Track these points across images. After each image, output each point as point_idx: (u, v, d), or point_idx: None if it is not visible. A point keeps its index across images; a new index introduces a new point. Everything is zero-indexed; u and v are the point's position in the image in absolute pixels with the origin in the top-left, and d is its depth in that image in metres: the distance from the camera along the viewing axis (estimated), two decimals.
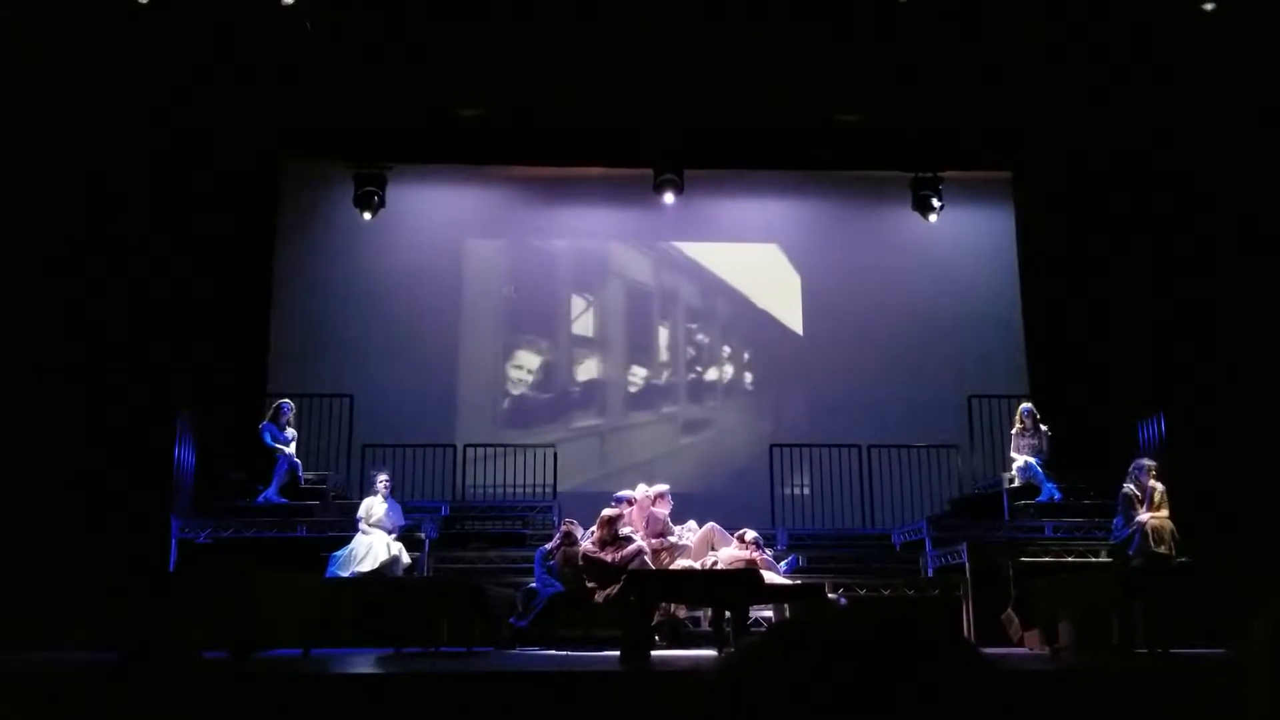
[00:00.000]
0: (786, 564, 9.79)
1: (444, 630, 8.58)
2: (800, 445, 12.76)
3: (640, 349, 13.91)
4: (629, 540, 8.95)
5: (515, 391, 13.67)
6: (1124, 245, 12.32)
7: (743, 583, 8.15)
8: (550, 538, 9.78)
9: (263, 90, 11.50)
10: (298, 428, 11.39)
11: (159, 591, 8.43)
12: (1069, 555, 10.08)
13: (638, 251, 14.06)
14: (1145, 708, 5.05)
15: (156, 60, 10.81)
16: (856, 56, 11.25)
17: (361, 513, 9.96)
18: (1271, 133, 10.75)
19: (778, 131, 12.68)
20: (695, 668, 6.30)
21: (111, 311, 11.18)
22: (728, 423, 13.72)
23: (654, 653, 7.71)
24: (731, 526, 9.47)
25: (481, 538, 11.26)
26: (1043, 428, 11.17)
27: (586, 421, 13.57)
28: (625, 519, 9.26)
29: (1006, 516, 10.95)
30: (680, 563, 9.14)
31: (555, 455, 12.56)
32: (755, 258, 14.04)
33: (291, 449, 11.09)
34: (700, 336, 14.05)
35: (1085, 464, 11.17)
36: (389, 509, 10.06)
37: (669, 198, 13.17)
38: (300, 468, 11.09)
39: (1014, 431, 11.36)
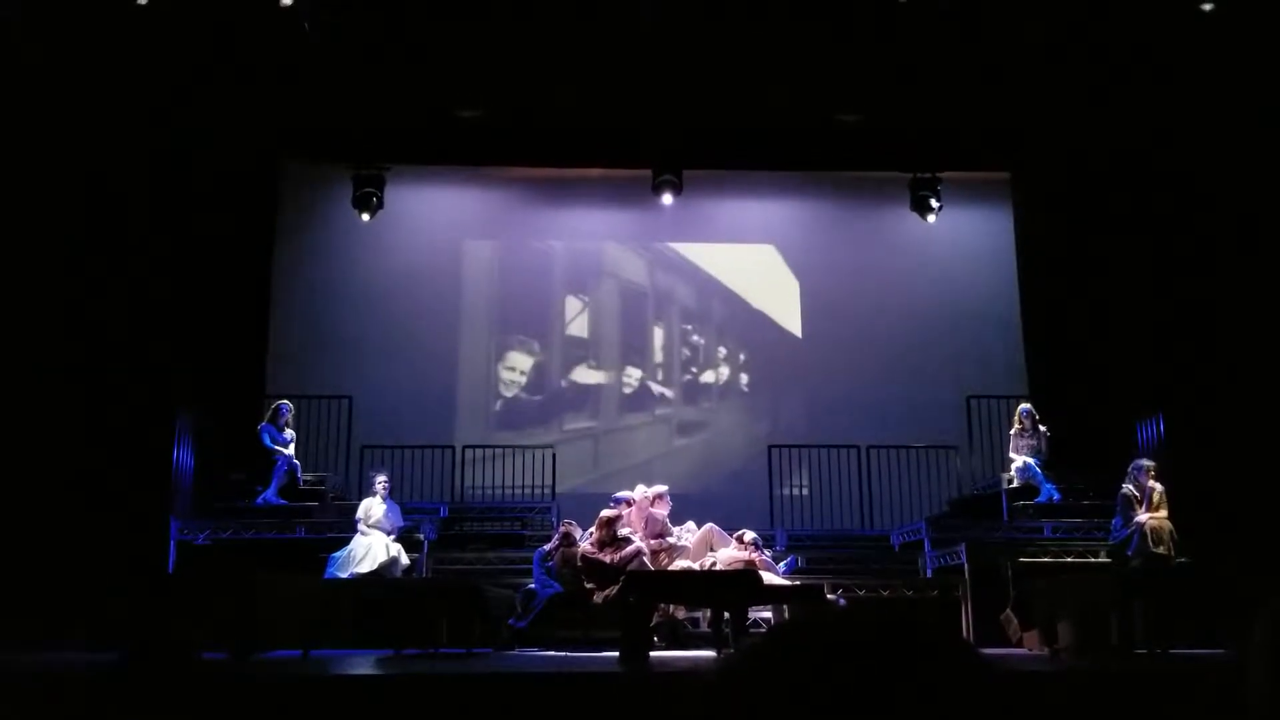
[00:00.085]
0: (785, 565, 9.79)
1: (443, 631, 8.57)
2: (799, 446, 12.76)
3: (636, 350, 13.91)
4: (628, 541, 8.95)
5: (508, 393, 13.66)
6: (1123, 245, 12.32)
7: (742, 584, 8.15)
8: (549, 539, 9.78)
9: (262, 91, 11.50)
10: (296, 429, 11.39)
11: (158, 592, 8.43)
12: (1068, 556, 10.08)
13: (636, 253, 14.05)
14: (1145, 708, 5.05)
15: (156, 60, 10.81)
16: (856, 56, 11.25)
17: (360, 514, 9.95)
18: (1271, 133, 10.76)
19: (777, 132, 12.68)
20: (694, 669, 6.30)
21: (111, 312, 11.17)
22: (724, 424, 13.72)
23: (653, 654, 7.72)
24: (730, 527, 9.48)
25: (480, 539, 11.26)
26: (1041, 428, 11.17)
27: (582, 423, 13.57)
28: (624, 520, 9.26)
29: (1005, 517, 10.95)
30: (679, 564, 9.13)
31: (554, 456, 12.56)
32: (753, 258, 14.04)
33: (290, 450, 11.09)
34: (698, 338, 14.04)
35: (1084, 464, 11.17)
36: (388, 510, 10.06)
37: (667, 198, 13.17)
38: (299, 469, 11.09)
39: (1013, 432, 11.36)
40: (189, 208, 11.84)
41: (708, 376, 13.95)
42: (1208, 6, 10.24)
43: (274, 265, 13.15)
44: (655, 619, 8.64)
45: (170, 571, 10.05)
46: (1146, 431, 11.07)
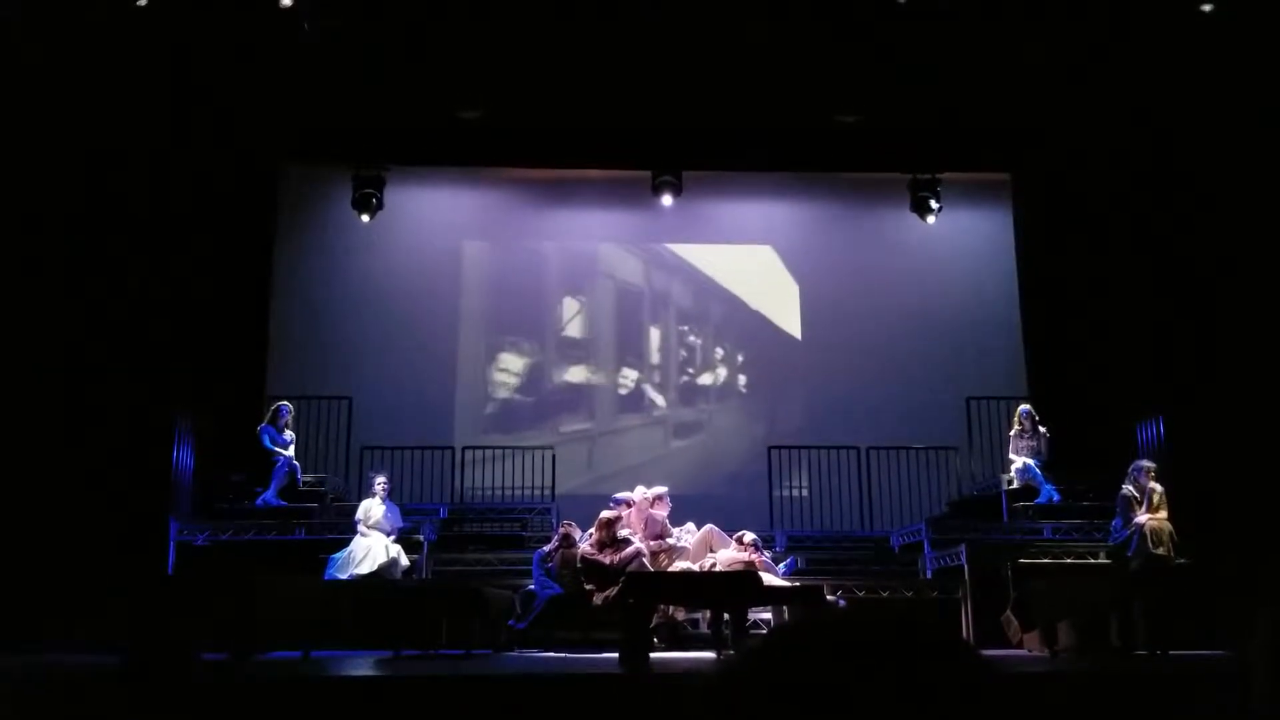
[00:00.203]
0: (785, 566, 9.78)
1: (443, 632, 8.57)
2: (799, 447, 12.76)
3: (636, 351, 13.91)
4: (627, 542, 8.94)
5: (505, 395, 13.66)
6: (1123, 246, 12.32)
7: (741, 585, 8.14)
8: (549, 540, 9.77)
9: (262, 91, 11.49)
10: (296, 430, 11.39)
11: (158, 593, 8.44)
12: (1068, 557, 10.07)
13: (635, 254, 14.05)
14: (1145, 709, 5.05)
15: (156, 61, 10.81)
16: (856, 56, 11.25)
17: (359, 515, 9.95)
18: (1271, 133, 10.76)
19: (776, 132, 12.68)
20: (694, 670, 6.30)
21: (111, 313, 11.17)
22: (722, 425, 13.72)
23: (653, 655, 7.71)
24: (730, 529, 9.47)
25: (480, 540, 11.26)
26: (1041, 429, 11.16)
27: (582, 425, 13.56)
28: (624, 521, 9.25)
29: (1005, 518, 10.95)
30: (679, 565, 9.13)
31: (554, 458, 12.55)
32: (752, 259, 14.04)
33: (290, 451, 11.08)
34: (696, 339, 14.04)
35: (1084, 466, 11.16)
36: (387, 511, 10.06)
37: (667, 199, 13.18)
38: (299, 470, 11.08)
39: (1012, 433, 11.36)
40: (188, 209, 11.83)
41: (705, 378, 13.94)
42: (1207, 7, 10.24)
43: (274, 266, 13.14)
44: (655, 620, 8.63)
45: (170, 572, 10.04)
46: (1146, 433, 11.07)
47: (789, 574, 9.61)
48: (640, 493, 9.74)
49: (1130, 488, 9.25)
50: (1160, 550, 8.88)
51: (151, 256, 11.58)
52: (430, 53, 11.18)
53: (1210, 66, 10.79)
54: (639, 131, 12.60)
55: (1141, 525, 9.00)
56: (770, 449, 12.64)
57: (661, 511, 9.63)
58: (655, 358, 13.92)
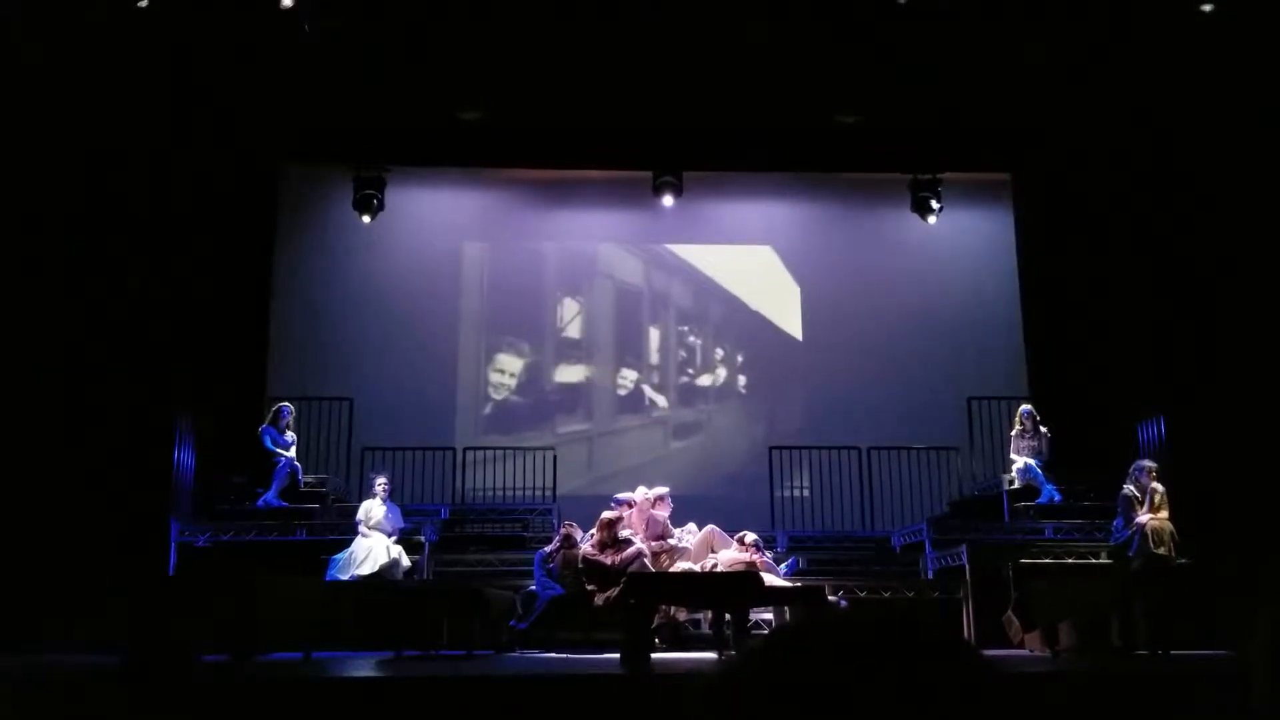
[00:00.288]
0: (786, 566, 9.78)
1: (444, 633, 8.58)
2: (799, 448, 12.76)
3: (636, 352, 13.91)
4: (629, 543, 8.94)
5: (506, 396, 13.66)
6: (1123, 246, 12.32)
7: (743, 585, 8.13)
8: (550, 540, 9.77)
9: (262, 92, 11.50)
10: (297, 431, 11.39)
11: (159, 594, 8.43)
12: (1069, 557, 10.07)
13: (635, 254, 14.05)
14: (1146, 709, 5.05)
15: (156, 61, 10.81)
16: (856, 56, 11.25)
17: (360, 515, 9.95)
18: (1271, 133, 10.76)
19: (776, 132, 12.68)
20: (696, 671, 6.30)
21: (111, 313, 11.18)
22: (722, 426, 13.71)
23: (654, 655, 7.71)
24: (731, 529, 9.47)
25: (481, 540, 11.26)
26: (1042, 429, 11.16)
27: (582, 425, 13.56)
28: (625, 521, 9.25)
29: (1006, 518, 10.95)
30: (680, 565, 9.13)
31: (555, 458, 12.55)
32: (752, 260, 14.04)
33: (291, 452, 11.08)
34: (695, 339, 14.03)
35: (1085, 466, 11.16)
36: (388, 511, 10.06)
37: (668, 200, 13.19)
38: (300, 471, 11.08)
39: (1013, 433, 11.35)
40: (189, 210, 11.84)
41: (705, 378, 13.94)
42: (1208, 7, 10.24)
43: (275, 267, 13.15)
44: (656, 621, 8.63)
45: (171, 573, 10.04)
46: (1147, 432, 11.07)
47: (790, 574, 9.61)
48: (641, 493, 9.73)
49: (1131, 488, 9.24)
50: (1161, 550, 8.87)
51: (151, 256, 11.58)
52: (430, 53, 11.17)
53: (1210, 66, 10.78)
54: (639, 132, 12.61)
55: (1143, 525, 8.99)
56: (771, 449, 12.63)
57: (663, 512, 9.63)
58: (655, 358, 13.92)
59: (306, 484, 11.18)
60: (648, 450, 13.46)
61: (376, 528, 9.88)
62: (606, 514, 9.09)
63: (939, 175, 13.26)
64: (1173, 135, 11.62)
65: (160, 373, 11.06)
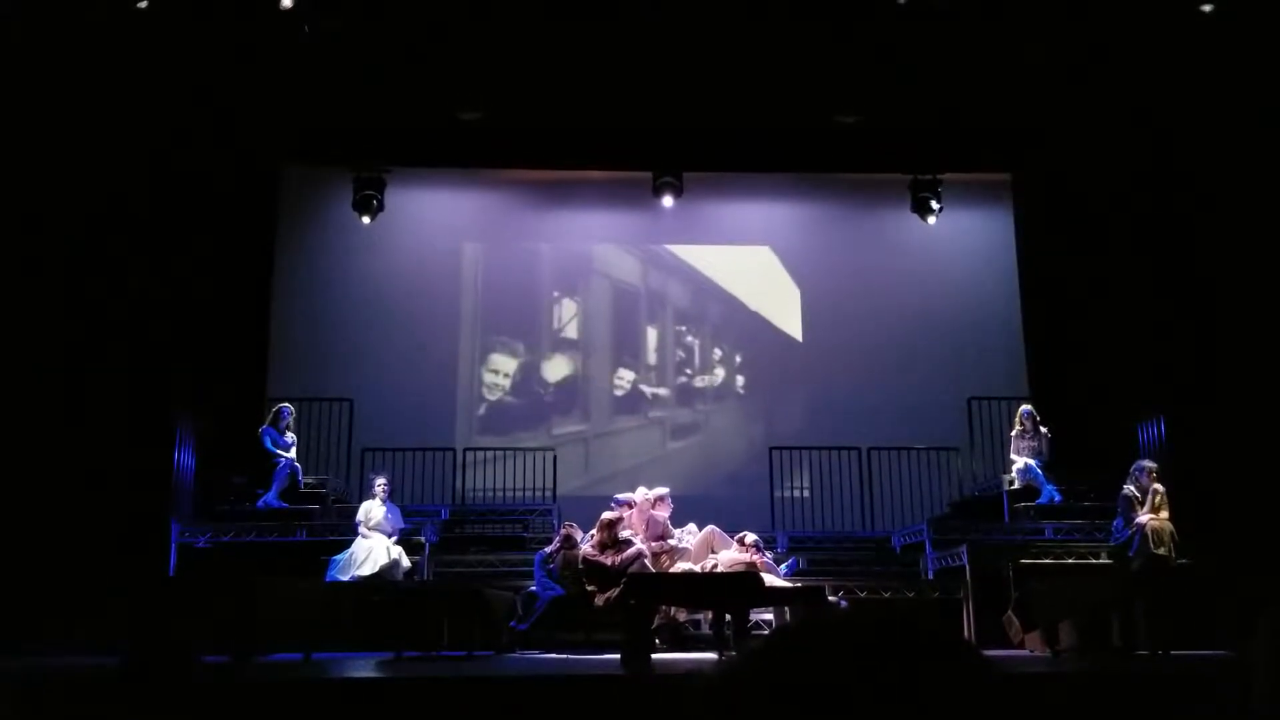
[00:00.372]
0: (787, 566, 9.78)
1: (444, 634, 8.57)
2: (800, 448, 12.75)
3: (638, 353, 13.91)
4: (629, 543, 8.93)
5: (503, 397, 13.65)
6: (1123, 246, 12.32)
7: (743, 586, 8.13)
8: (550, 541, 9.77)
9: (262, 93, 11.50)
10: (297, 431, 11.39)
11: (159, 595, 8.44)
12: (1069, 557, 10.07)
13: (636, 255, 14.05)
14: (1146, 709, 5.05)
15: (156, 62, 10.81)
16: (856, 56, 11.25)
17: (360, 516, 9.96)
18: (1271, 133, 10.76)
19: (776, 132, 12.67)
20: (696, 671, 6.29)
21: (112, 315, 11.17)
22: (721, 426, 13.71)
23: (654, 656, 7.71)
24: (731, 529, 9.47)
25: (481, 541, 11.26)
26: (1042, 430, 11.16)
27: (581, 426, 13.56)
28: (625, 522, 9.24)
29: (1006, 518, 10.95)
30: (680, 566, 9.12)
31: (555, 459, 12.55)
32: (752, 260, 14.04)
33: (292, 453, 11.09)
34: (694, 339, 14.03)
35: (1085, 466, 11.16)
36: (387, 512, 10.07)
37: (668, 200, 13.19)
38: (300, 472, 11.08)
39: (1014, 433, 11.35)
40: (189, 211, 11.84)
41: (703, 379, 13.94)
42: (1207, 7, 10.24)
43: (275, 268, 13.15)
44: (657, 621, 8.63)
45: (171, 574, 10.05)
46: (1147, 433, 11.07)
47: (790, 575, 9.61)
48: (642, 494, 9.73)
49: (1131, 488, 9.25)
50: (1161, 550, 8.87)
51: (151, 257, 11.57)
52: (430, 53, 11.17)
53: (1210, 66, 10.78)
54: (639, 132, 12.60)
55: (1143, 525, 9.00)
56: (771, 450, 12.63)
57: (663, 512, 9.63)
58: (652, 358, 13.92)
59: (306, 485, 11.19)
60: (646, 451, 13.46)
61: (376, 528, 9.89)
62: (607, 514, 9.08)
63: (939, 175, 13.26)
64: (1173, 135, 11.62)
65: (160, 373, 11.05)
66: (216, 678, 5.83)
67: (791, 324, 13.89)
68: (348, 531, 10.04)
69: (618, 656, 7.51)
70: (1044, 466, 11.00)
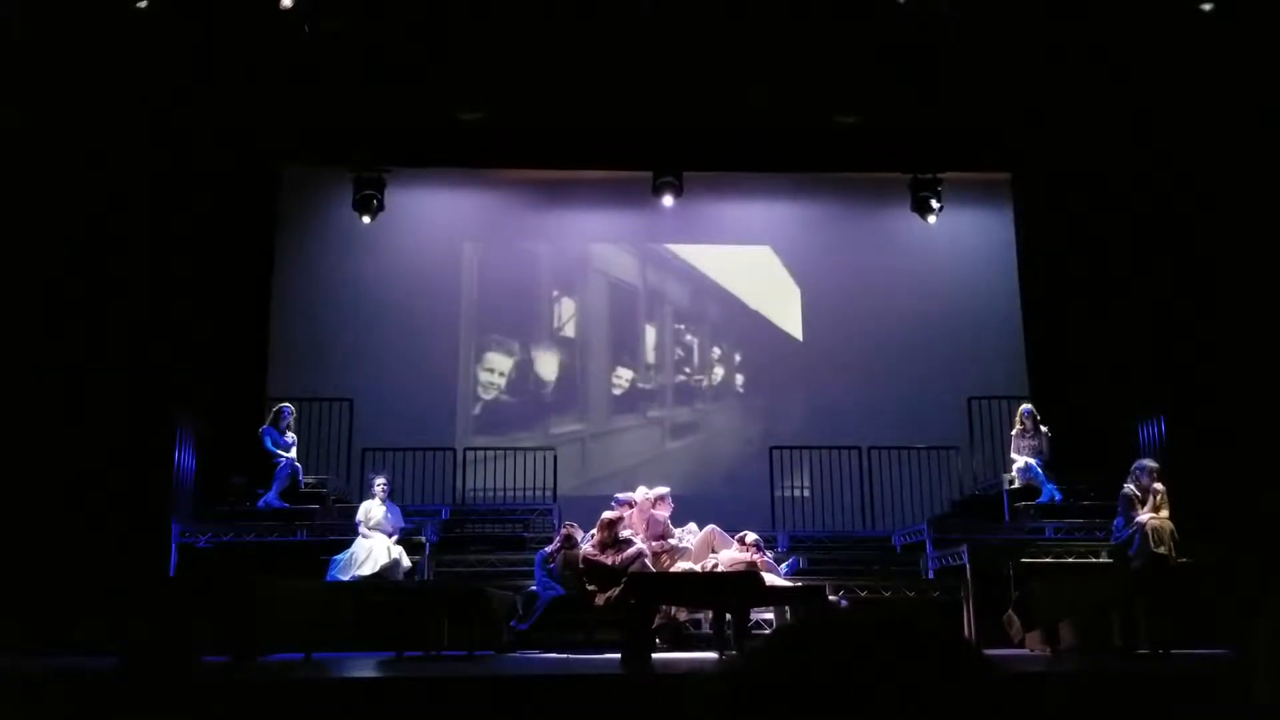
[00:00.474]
0: (787, 566, 9.78)
1: (445, 634, 8.57)
2: (800, 447, 12.75)
3: (638, 352, 13.90)
4: (629, 543, 8.93)
5: (503, 397, 13.65)
6: (1123, 245, 12.32)
7: (743, 585, 8.14)
8: (550, 541, 9.77)
9: (262, 93, 11.49)
10: (297, 431, 11.39)
11: (159, 596, 8.43)
12: (1070, 556, 10.07)
13: (636, 255, 14.05)
14: (1146, 709, 5.05)
15: (156, 62, 10.81)
16: (856, 56, 11.24)
17: (360, 516, 9.96)
18: (1271, 133, 10.75)
19: (776, 132, 12.67)
20: (697, 671, 6.30)
21: (111, 315, 11.18)
22: (720, 426, 13.71)
23: (655, 655, 7.71)
24: (731, 529, 9.47)
25: (482, 541, 11.26)
26: (1043, 429, 11.16)
27: (580, 426, 13.56)
28: (625, 522, 9.24)
29: (1007, 518, 10.95)
30: (681, 565, 9.12)
31: (555, 459, 12.55)
32: (752, 260, 14.04)
33: (292, 453, 11.08)
34: (695, 339, 14.03)
35: (1085, 465, 11.16)
36: (387, 512, 10.06)
37: (668, 200, 13.18)
38: (300, 472, 11.08)
39: (1014, 433, 11.35)
40: (189, 211, 11.84)
41: (702, 378, 13.94)
42: (1208, 6, 10.24)
43: (275, 268, 13.14)
44: (657, 621, 8.63)
45: (171, 574, 10.04)
46: (1148, 432, 11.07)
47: (791, 574, 9.61)
48: (642, 493, 9.73)
49: (1132, 487, 9.24)
50: (1162, 550, 8.86)
51: (153, 258, 11.58)
52: (430, 53, 11.17)
53: (1210, 66, 10.78)
54: (639, 132, 12.60)
55: (1143, 524, 8.99)
56: (772, 449, 12.64)
57: (663, 512, 9.63)
58: (651, 357, 13.92)
59: (307, 485, 11.19)
60: (645, 450, 13.45)
61: (376, 528, 9.89)
62: (607, 514, 9.08)
63: (939, 175, 13.25)
64: (1173, 135, 11.62)
65: (160, 372, 11.05)
66: (216, 678, 5.83)
67: (791, 324, 13.89)
68: (348, 531, 10.04)
69: (618, 656, 7.52)
70: (1044, 466, 11.00)
